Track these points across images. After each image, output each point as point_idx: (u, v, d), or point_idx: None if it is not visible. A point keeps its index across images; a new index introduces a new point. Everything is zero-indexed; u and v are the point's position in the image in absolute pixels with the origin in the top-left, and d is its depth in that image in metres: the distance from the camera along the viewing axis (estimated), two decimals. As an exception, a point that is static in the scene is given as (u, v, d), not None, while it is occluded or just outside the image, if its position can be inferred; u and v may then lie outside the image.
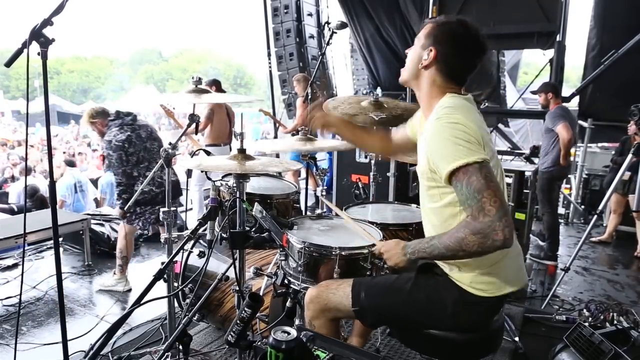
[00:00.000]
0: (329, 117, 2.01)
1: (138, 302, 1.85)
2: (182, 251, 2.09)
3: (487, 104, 6.54)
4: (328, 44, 3.26)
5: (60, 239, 4.26)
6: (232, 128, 5.27)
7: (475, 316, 1.59)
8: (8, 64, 1.64)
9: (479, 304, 1.56)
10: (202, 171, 2.08)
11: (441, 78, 1.55)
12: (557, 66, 5.61)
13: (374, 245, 1.74)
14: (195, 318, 1.93)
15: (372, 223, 2.05)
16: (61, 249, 4.28)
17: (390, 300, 1.63)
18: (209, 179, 2.14)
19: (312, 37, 8.00)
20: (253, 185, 2.57)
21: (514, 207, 3.75)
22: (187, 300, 2.39)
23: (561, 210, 6.43)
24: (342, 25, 2.98)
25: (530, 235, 4.50)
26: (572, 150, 7.28)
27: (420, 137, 1.60)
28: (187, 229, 2.13)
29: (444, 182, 1.41)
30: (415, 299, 1.60)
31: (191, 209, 5.24)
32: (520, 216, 3.82)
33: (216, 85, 5.09)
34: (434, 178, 1.49)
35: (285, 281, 1.83)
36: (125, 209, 3.23)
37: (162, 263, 2.03)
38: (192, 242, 2.36)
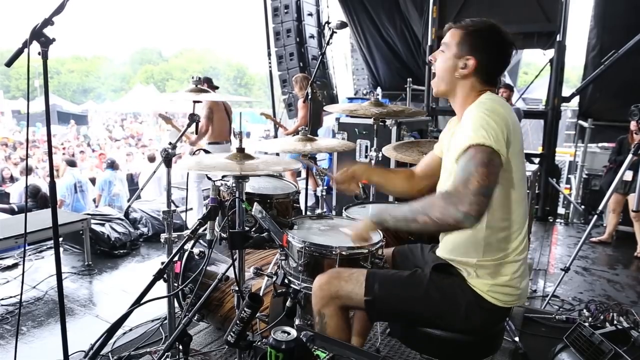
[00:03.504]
0: (355, 170, 1.95)
1: (138, 302, 1.85)
2: (182, 251, 2.09)
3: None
4: (328, 43, 3.25)
5: (60, 239, 4.26)
6: (231, 125, 5.23)
7: (485, 321, 1.59)
8: (8, 63, 1.65)
9: (492, 311, 1.56)
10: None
11: (480, 83, 1.57)
12: (557, 66, 5.61)
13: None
14: (195, 318, 1.93)
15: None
16: (61, 249, 4.28)
17: (405, 294, 1.62)
18: (209, 178, 2.13)
19: (312, 37, 8.01)
20: (253, 185, 2.56)
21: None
22: (187, 300, 2.40)
23: (561, 210, 6.43)
24: (342, 25, 2.98)
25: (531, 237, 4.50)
26: (572, 150, 7.32)
27: (452, 139, 1.61)
28: (187, 228, 2.13)
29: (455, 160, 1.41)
30: (431, 296, 1.59)
31: (191, 209, 5.24)
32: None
33: (207, 82, 5.04)
34: None
35: (285, 281, 1.83)
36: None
37: (162, 263, 2.03)
38: (192, 242, 2.37)
